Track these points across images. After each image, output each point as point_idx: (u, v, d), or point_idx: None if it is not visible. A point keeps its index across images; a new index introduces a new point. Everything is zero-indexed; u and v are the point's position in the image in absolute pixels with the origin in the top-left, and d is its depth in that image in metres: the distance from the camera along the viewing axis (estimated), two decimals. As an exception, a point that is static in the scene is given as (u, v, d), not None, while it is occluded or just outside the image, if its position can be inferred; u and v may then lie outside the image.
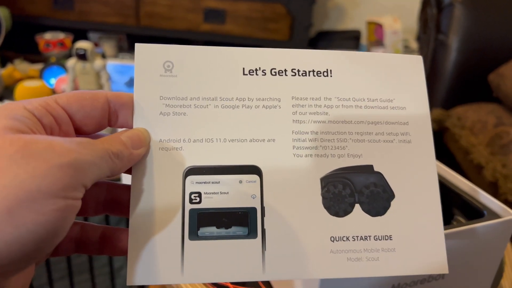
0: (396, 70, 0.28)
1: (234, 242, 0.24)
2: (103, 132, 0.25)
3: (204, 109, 0.26)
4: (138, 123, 0.25)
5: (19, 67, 1.37)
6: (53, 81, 1.25)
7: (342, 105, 0.27)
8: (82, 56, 0.96)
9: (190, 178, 0.25)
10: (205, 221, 0.24)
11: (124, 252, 0.24)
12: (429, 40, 1.16)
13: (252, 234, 0.25)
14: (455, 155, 1.06)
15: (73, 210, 0.19)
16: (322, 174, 0.26)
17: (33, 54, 1.56)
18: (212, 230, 0.25)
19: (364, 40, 1.77)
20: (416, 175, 0.27)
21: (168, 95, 0.26)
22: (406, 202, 0.26)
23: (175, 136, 0.25)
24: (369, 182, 0.26)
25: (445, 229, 0.37)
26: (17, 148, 0.18)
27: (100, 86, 1.00)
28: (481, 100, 1.08)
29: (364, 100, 0.27)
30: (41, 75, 1.28)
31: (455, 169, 0.48)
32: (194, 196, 0.25)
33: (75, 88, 1.02)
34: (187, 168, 0.25)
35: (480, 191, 0.43)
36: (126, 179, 0.57)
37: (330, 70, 0.27)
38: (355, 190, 0.26)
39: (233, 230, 0.25)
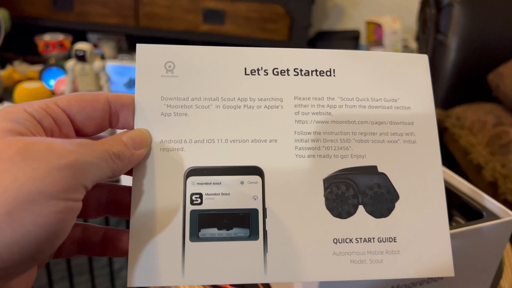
0: (400, 69, 0.28)
1: (235, 243, 0.24)
2: (104, 134, 0.25)
3: (206, 110, 0.26)
4: (139, 123, 0.25)
5: (19, 68, 1.37)
6: (52, 82, 1.25)
7: (345, 105, 0.27)
8: (82, 57, 0.96)
9: (191, 179, 0.25)
10: (206, 223, 0.24)
11: (126, 253, 0.24)
12: (428, 40, 1.16)
13: (253, 235, 0.24)
14: (455, 155, 1.06)
15: (73, 212, 0.19)
16: (325, 175, 0.26)
17: (32, 55, 1.56)
18: (213, 231, 0.24)
19: (363, 40, 1.77)
20: (421, 176, 0.26)
21: (169, 95, 0.26)
22: (411, 204, 0.26)
23: (176, 137, 0.25)
24: (373, 183, 0.26)
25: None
26: (16, 150, 0.18)
27: (100, 87, 1.00)
28: (480, 100, 1.08)
29: (368, 100, 0.27)
30: (40, 77, 1.28)
31: (455, 169, 0.48)
32: (195, 197, 0.25)
33: (75, 89, 1.02)
34: (188, 169, 0.25)
35: (479, 192, 0.43)
36: (125, 181, 0.57)
37: (333, 70, 0.27)
38: (359, 191, 0.26)
39: (235, 231, 0.24)
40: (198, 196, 0.25)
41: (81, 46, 0.96)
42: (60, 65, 1.28)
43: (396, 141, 0.27)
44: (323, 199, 0.25)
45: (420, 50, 1.24)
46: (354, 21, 1.86)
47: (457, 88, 1.12)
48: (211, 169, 0.25)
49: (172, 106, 0.25)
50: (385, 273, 0.25)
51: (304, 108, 0.26)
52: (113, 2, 1.62)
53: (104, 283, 1.02)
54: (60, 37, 1.41)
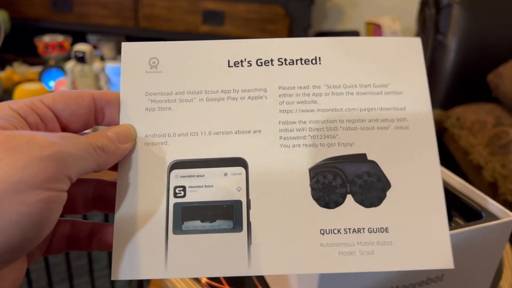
0: (391, 54, 0.27)
1: (218, 236, 0.24)
2: (89, 131, 0.26)
3: (189, 103, 0.26)
4: (124, 119, 0.25)
5: (18, 69, 1.37)
6: (52, 83, 1.25)
7: (332, 93, 0.26)
8: (81, 59, 0.96)
9: (174, 172, 0.25)
10: (189, 215, 0.24)
11: (111, 247, 0.24)
12: (428, 40, 1.16)
13: (237, 227, 0.24)
14: (454, 156, 1.06)
15: (58, 202, 0.19)
16: (311, 165, 0.25)
17: (32, 56, 1.56)
18: (197, 224, 0.24)
19: (363, 41, 1.77)
20: (415, 163, 0.25)
21: (153, 90, 0.26)
22: (404, 192, 0.25)
23: (160, 131, 0.25)
24: (362, 171, 0.25)
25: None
26: None
27: (99, 89, 1.00)
28: (480, 100, 1.08)
29: (355, 86, 0.26)
30: (40, 78, 1.28)
31: (455, 170, 0.48)
32: (179, 190, 0.25)
33: (74, 90, 1.02)
34: (171, 162, 0.25)
35: (478, 193, 0.43)
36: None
37: (319, 58, 0.27)
38: (347, 180, 0.25)
39: (218, 223, 0.24)
40: (181, 189, 0.25)
41: (81, 47, 0.96)
42: (59, 66, 1.28)
43: (387, 128, 0.26)
44: (309, 189, 0.25)
45: (420, 51, 1.24)
46: (353, 22, 1.86)
47: (456, 89, 1.12)
48: (195, 161, 0.25)
49: (156, 101, 0.26)
50: (376, 265, 0.24)
51: (288, 98, 0.26)
52: (112, 3, 1.63)
53: (104, 285, 1.02)
54: (59, 38, 1.41)
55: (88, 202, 0.26)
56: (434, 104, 1.13)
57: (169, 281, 0.49)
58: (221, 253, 0.24)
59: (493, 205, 0.41)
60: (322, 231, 0.24)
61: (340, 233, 0.24)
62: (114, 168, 0.25)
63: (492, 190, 0.86)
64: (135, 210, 0.24)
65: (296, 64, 0.27)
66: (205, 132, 0.25)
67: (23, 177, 0.18)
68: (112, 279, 0.23)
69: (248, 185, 0.25)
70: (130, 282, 0.71)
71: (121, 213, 0.24)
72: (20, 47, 1.67)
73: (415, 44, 0.27)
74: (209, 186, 0.25)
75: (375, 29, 1.63)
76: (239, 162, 0.25)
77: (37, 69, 1.39)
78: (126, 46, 0.26)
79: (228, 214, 0.24)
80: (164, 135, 0.25)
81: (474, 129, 1.00)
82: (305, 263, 0.24)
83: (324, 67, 0.27)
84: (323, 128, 0.26)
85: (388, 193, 0.25)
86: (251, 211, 0.24)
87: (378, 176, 0.25)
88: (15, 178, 0.18)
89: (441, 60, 1.11)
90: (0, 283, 0.20)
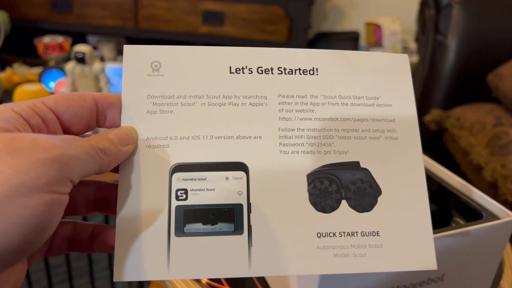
0: (382, 68, 0.29)
1: (220, 238, 0.24)
2: (90, 133, 0.26)
3: (191, 107, 0.26)
4: (126, 122, 0.25)
5: (18, 70, 1.37)
6: (52, 84, 1.25)
7: (328, 103, 0.27)
8: (81, 60, 0.96)
9: (176, 175, 0.25)
10: (191, 218, 0.25)
11: (112, 249, 0.24)
12: (428, 41, 1.16)
13: (238, 230, 0.25)
14: (455, 156, 1.06)
15: (60, 204, 0.19)
16: (309, 171, 0.26)
17: (32, 57, 1.57)
18: (198, 226, 0.25)
19: (363, 41, 1.77)
20: (403, 171, 0.27)
21: (155, 94, 0.26)
22: (393, 198, 0.26)
23: (162, 134, 0.25)
24: (356, 178, 0.26)
25: (444, 231, 0.37)
26: (1, 145, 0.18)
27: (99, 89, 1.00)
28: (480, 101, 1.08)
29: (350, 97, 0.28)
30: (40, 79, 1.28)
31: (455, 170, 0.48)
32: (181, 193, 0.25)
33: (74, 91, 1.02)
34: (173, 165, 0.25)
35: (478, 193, 0.43)
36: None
37: (316, 69, 0.28)
38: (342, 186, 0.26)
39: (219, 226, 0.25)
40: (183, 192, 0.25)
41: (81, 48, 0.96)
42: (59, 67, 1.28)
43: (378, 138, 0.27)
44: (307, 194, 0.26)
45: (420, 51, 1.25)
46: (353, 22, 1.86)
47: (456, 89, 1.12)
48: (196, 165, 0.25)
49: (158, 104, 0.26)
50: (368, 267, 0.25)
51: (288, 106, 0.27)
52: (112, 4, 1.63)
53: (104, 286, 1.02)
54: (59, 39, 1.41)
55: (89, 204, 0.26)
56: (434, 104, 1.13)
57: (169, 281, 0.49)
58: (222, 255, 0.24)
59: (493, 205, 0.41)
60: (318, 234, 0.25)
61: (336, 236, 0.25)
62: (115, 169, 0.25)
63: (492, 190, 0.86)
64: (137, 212, 0.24)
65: (295, 73, 0.28)
66: (207, 136, 0.26)
67: (25, 180, 0.18)
68: (114, 280, 0.23)
69: (249, 189, 0.25)
70: (130, 282, 0.72)
71: (123, 215, 0.24)
72: (20, 48, 1.68)
73: (403, 60, 0.29)
74: (211, 190, 0.25)
75: (375, 30, 1.63)
76: (241, 166, 0.26)
77: (37, 70, 1.39)
78: (128, 48, 0.27)
79: (229, 217, 0.25)
80: (165, 138, 0.25)
81: (474, 129, 1.00)
82: (303, 265, 0.25)
83: (320, 78, 0.28)
84: (320, 136, 0.27)
85: (379, 199, 0.26)
86: (251, 215, 0.25)
87: (370, 183, 0.26)
88: (17, 181, 0.18)
89: (441, 60, 1.11)
90: (0, 285, 0.20)
